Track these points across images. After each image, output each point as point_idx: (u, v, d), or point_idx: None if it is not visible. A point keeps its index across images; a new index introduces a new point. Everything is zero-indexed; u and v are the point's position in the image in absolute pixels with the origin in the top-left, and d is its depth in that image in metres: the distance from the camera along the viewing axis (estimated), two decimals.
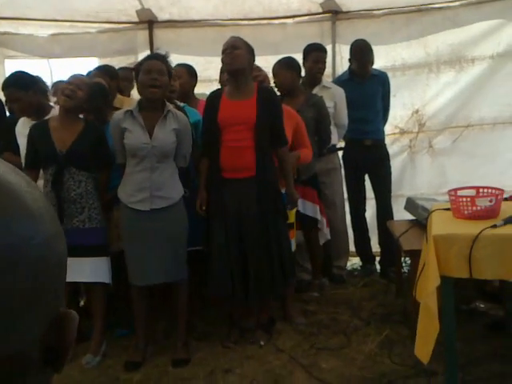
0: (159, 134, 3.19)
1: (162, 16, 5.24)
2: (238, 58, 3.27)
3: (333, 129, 4.29)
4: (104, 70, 4.03)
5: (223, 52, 3.31)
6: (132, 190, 3.22)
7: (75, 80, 3.29)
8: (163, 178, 3.21)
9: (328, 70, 4.70)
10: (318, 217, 4.08)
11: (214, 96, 3.45)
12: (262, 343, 3.45)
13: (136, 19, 5.25)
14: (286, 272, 3.40)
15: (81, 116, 3.39)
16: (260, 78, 3.60)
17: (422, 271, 2.61)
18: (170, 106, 3.27)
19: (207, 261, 3.44)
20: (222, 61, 3.35)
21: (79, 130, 3.28)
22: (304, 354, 3.32)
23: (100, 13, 5.11)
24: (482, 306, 3.57)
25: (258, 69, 3.68)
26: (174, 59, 3.59)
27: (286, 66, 4.01)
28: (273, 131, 3.34)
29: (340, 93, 4.36)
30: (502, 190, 2.73)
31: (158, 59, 3.22)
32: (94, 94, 3.32)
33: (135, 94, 4.39)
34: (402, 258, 4.18)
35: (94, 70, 4.14)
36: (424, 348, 2.46)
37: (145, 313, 3.34)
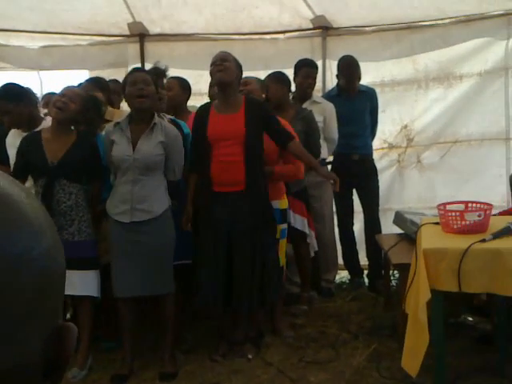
0: (142, 146, 3.19)
1: (154, 29, 5.27)
2: (227, 71, 3.30)
3: (322, 143, 4.32)
4: (95, 82, 4.03)
5: (212, 65, 3.34)
6: (116, 202, 3.23)
7: (68, 92, 3.28)
8: (146, 191, 3.20)
9: (318, 85, 4.75)
10: (306, 230, 4.08)
11: (203, 110, 3.47)
12: (250, 357, 3.43)
13: (127, 32, 5.27)
14: (270, 286, 3.40)
15: (72, 128, 3.38)
16: (244, 93, 3.59)
17: (412, 284, 2.62)
18: (158, 119, 3.26)
19: (196, 274, 3.43)
20: (211, 73, 3.38)
21: (71, 142, 3.28)
22: (292, 367, 3.31)
23: (91, 25, 5.13)
24: (469, 319, 3.59)
25: (245, 82, 3.68)
26: None
27: (276, 80, 4.05)
28: (273, 134, 3.37)
29: (330, 108, 4.40)
30: (491, 205, 2.76)
31: (141, 71, 3.25)
32: (88, 107, 3.31)
33: (125, 106, 4.41)
34: (391, 272, 4.20)
35: (85, 81, 4.15)
36: (412, 361, 2.47)
37: (131, 326, 3.32)
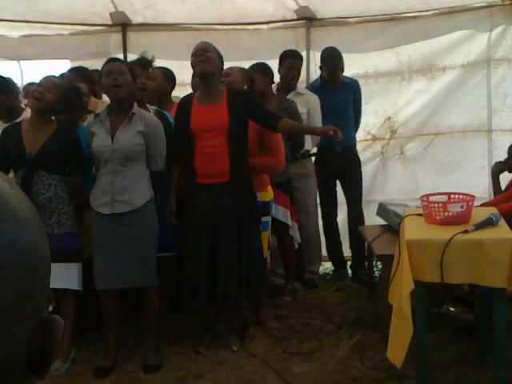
0: (121, 136, 3.16)
1: (136, 19, 5.21)
2: (209, 61, 3.28)
3: (306, 135, 4.32)
4: (77, 72, 3.98)
5: (193, 55, 3.32)
6: (97, 193, 3.21)
7: (45, 82, 3.24)
8: (126, 182, 3.17)
9: (302, 77, 4.73)
10: (289, 222, 4.08)
11: (185, 101, 3.45)
12: (234, 348, 3.43)
13: (109, 22, 5.20)
14: (256, 277, 3.40)
15: (53, 118, 3.34)
16: (226, 84, 3.57)
17: (395, 275, 2.64)
18: (137, 109, 3.22)
19: (181, 265, 3.42)
20: (192, 64, 3.35)
21: (50, 133, 3.23)
22: (276, 358, 3.32)
23: (72, 14, 5.06)
24: (451, 310, 3.62)
25: (226, 73, 3.65)
26: None
27: (258, 70, 4.03)
28: (261, 120, 3.37)
29: (314, 99, 4.39)
30: (473, 196, 2.79)
31: (116, 61, 3.25)
32: (67, 96, 3.27)
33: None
34: (374, 263, 4.22)
35: (68, 71, 4.09)
36: (397, 351, 2.49)
37: (114, 318, 3.30)
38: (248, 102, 3.36)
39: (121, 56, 5.16)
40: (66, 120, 3.38)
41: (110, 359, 3.28)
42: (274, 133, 3.57)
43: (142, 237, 3.21)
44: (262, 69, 4.04)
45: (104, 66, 3.24)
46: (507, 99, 4.89)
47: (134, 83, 3.22)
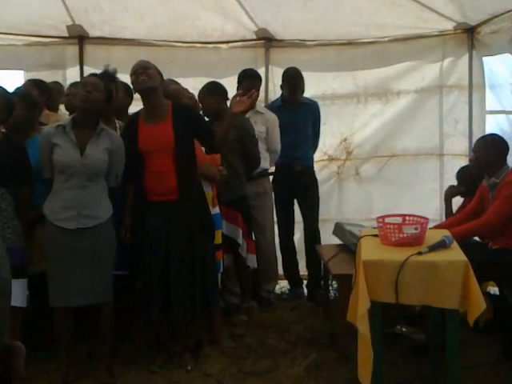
0: (91, 152, 3.13)
1: (94, 33, 5.15)
2: (151, 77, 3.31)
3: (265, 153, 4.35)
4: (34, 84, 3.93)
5: (134, 73, 3.34)
6: (59, 208, 3.13)
7: None
8: (92, 197, 3.15)
9: (261, 95, 4.77)
10: (240, 241, 4.07)
11: (131, 120, 3.48)
12: (188, 367, 3.39)
13: (66, 34, 5.13)
14: (209, 293, 3.40)
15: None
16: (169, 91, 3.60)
17: (353, 295, 2.66)
18: (103, 125, 3.21)
19: (135, 283, 3.40)
20: (133, 83, 3.37)
21: None
22: (231, 378, 3.29)
23: (28, 26, 4.96)
24: (404, 329, 3.68)
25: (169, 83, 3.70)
26: None
27: (208, 91, 4.04)
28: (199, 136, 3.41)
29: (273, 118, 4.43)
30: (427, 219, 2.86)
31: (96, 76, 3.22)
32: (11, 106, 3.19)
33: (63, 109, 4.30)
34: (330, 282, 4.26)
35: (27, 82, 4.05)
36: (363, 370, 2.51)
37: (67, 335, 3.22)
38: (192, 118, 3.41)
39: (77, 69, 5.11)
40: (12, 132, 3.29)
41: (62, 377, 3.19)
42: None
43: (104, 252, 3.17)
44: (213, 89, 4.04)
45: (84, 78, 3.20)
46: (458, 125, 5.07)
47: (105, 101, 3.18)
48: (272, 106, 4.69)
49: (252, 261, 4.22)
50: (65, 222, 3.11)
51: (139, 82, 3.31)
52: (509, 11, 4.19)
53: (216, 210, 3.79)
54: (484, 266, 3.13)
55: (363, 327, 2.47)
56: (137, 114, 3.51)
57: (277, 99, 4.80)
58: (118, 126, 3.53)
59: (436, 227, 3.67)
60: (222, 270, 3.88)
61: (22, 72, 5.14)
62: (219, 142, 3.44)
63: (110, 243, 3.22)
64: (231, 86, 4.34)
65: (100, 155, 3.14)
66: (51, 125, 3.29)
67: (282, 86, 4.66)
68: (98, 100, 3.15)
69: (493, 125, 4.91)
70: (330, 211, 5.21)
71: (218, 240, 3.71)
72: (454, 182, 4.24)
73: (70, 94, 3.83)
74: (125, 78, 4.21)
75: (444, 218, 4.33)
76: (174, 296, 3.29)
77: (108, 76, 3.39)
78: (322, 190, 5.05)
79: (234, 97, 3.48)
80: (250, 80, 4.36)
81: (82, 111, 3.17)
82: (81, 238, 3.10)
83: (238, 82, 4.41)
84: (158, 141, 3.30)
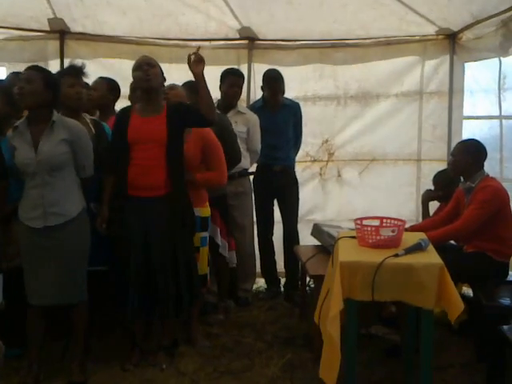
0: (44, 146, 3.04)
1: (75, 27, 5.10)
2: (155, 77, 3.27)
3: (245, 153, 4.35)
4: (16, 77, 3.87)
5: (137, 69, 3.27)
6: (27, 207, 3.08)
7: None
8: (58, 193, 3.06)
9: (243, 95, 4.78)
10: (218, 239, 4.05)
11: (123, 113, 3.41)
12: (163, 366, 3.38)
13: (47, 28, 5.08)
14: (191, 292, 3.38)
15: None
16: (169, 97, 3.54)
17: (326, 297, 2.67)
18: (57, 116, 3.09)
19: (109, 280, 3.36)
20: (136, 78, 3.30)
21: None
22: (206, 377, 3.29)
23: (9, 18, 4.90)
24: (379, 331, 3.71)
25: (170, 87, 3.64)
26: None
27: (187, 89, 4.00)
28: (191, 122, 3.33)
29: (254, 119, 4.44)
30: (404, 221, 2.88)
31: (30, 69, 3.09)
32: None
33: None
34: (307, 282, 4.27)
35: (10, 74, 4.01)
36: (329, 371, 2.52)
37: (40, 333, 3.18)
38: (183, 111, 3.33)
39: (58, 63, 5.06)
40: None
41: (33, 375, 3.15)
42: (215, 146, 3.63)
43: (75, 249, 3.11)
44: (190, 87, 4.01)
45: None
46: (436, 130, 5.14)
47: (41, 92, 3.03)
48: (253, 107, 4.70)
49: (232, 257, 4.21)
50: (32, 221, 3.05)
51: (141, 81, 3.26)
52: (493, 16, 4.23)
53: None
54: (458, 268, 3.17)
55: (334, 328, 2.47)
56: (130, 107, 3.47)
57: (258, 100, 4.81)
58: (88, 120, 3.45)
59: (411, 227, 3.72)
60: (204, 272, 3.82)
61: (3, 68, 5.07)
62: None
63: (83, 238, 3.16)
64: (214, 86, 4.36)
65: (54, 148, 3.04)
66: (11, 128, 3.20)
67: (262, 88, 4.66)
68: (34, 93, 3.01)
69: (470, 130, 4.98)
70: (313, 212, 5.26)
71: (196, 243, 3.64)
72: (431, 187, 4.30)
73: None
74: (107, 74, 4.20)
75: (421, 220, 4.38)
76: (158, 294, 3.26)
77: (75, 71, 3.35)
78: (305, 190, 5.14)
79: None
80: (233, 76, 4.39)
81: (25, 108, 3.10)
82: (50, 236, 3.05)
83: (221, 80, 4.41)
84: (149, 132, 3.23)
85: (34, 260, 3.07)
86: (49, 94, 3.05)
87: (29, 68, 3.13)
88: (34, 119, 3.09)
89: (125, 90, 4.17)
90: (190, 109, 3.37)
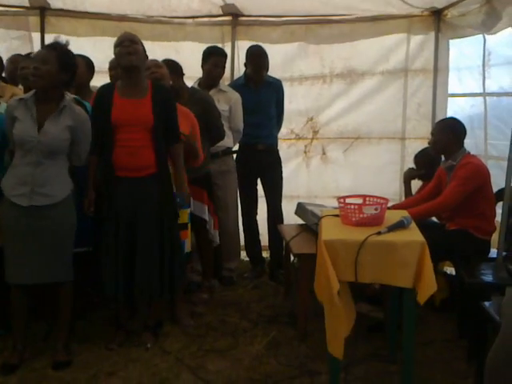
0: (49, 129, 3.02)
1: (55, 4, 5.00)
2: (137, 54, 3.20)
3: (228, 132, 4.31)
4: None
5: (119, 45, 3.20)
6: (14, 183, 3.04)
7: None
8: (48, 175, 3.04)
9: (227, 73, 4.71)
10: (206, 217, 4.05)
11: (105, 92, 3.33)
12: (148, 345, 3.38)
13: (27, 4, 4.97)
14: (175, 274, 3.37)
15: None
16: (157, 76, 3.51)
17: (320, 274, 2.67)
18: (68, 101, 3.09)
19: (94, 261, 3.34)
20: (117, 55, 3.23)
21: None
22: (191, 356, 3.30)
23: None
24: (363, 308, 3.73)
25: (158, 65, 3.59)
26: None
27: (167, 67, 3.94)
28: (168, 129, 3.29)
29: (236, 97, 4.39)
30: (387, 200, 2.89)
31: (48, 48, 3.06)
32: None
33: None
34: (291, 261, 4.28)
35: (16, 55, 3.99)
36: (336, 345, 2.54)
37: (24, 312, 3.16)
38: (169, 103, 3.31)
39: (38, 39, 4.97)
40: None
41: (17, 355, 3.14)
42: (196, 131, 3.66)
43: (60, 231, 3.09)
44: (170, 65, 3.93)
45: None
46: (420, 108, 5.13)
47: (55, 73, 3.01)
48: (235, 85, 4.62)
49: (215, 236, 4.21)
50: (18, 198, 3.02)
51: (124, 57, 3.18)
52: None
53: None
54: (440, 246, 3.21)
55: (339, 303, 2.48)
56: (111, 85, 3.38)
57: (239, 77, 4.74)
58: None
59: (394, 206, 3.73)
60: (190, 249, 3.82)
61: None
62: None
63: (69, 222, 3.13)
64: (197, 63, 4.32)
65: (58, 133, 3.03)
66: (15, 97, 3.16)
67: (245, 64, 4.61)
68: (49, 73, 2.98)
69: (455, 108, 4.98)
70: (298, 189, 5.26)
71: (185, 219, 3.66)
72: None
73: (25, 66, 3.68)
74: (85, 51, 4.12)
75: (404, 199, 4.39)
76: (141, 277, 3.24)
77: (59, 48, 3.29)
78: (290, 167, 5.15)
79: None
80: (216, 56, 4.32)
81: (37, 89, 3.05)
82: (35, 216, 3.02)
83: (203, 59, 4.35)
84: (134, 116, 3.18)
85: (16, 237, 3.04)
86: (64, 75, 3.03)
87: (46, 46, 3.09)
88: (43, 97, 3.04)
89: (105, 66, 4.11)
90: (172, 116, 3.33)
